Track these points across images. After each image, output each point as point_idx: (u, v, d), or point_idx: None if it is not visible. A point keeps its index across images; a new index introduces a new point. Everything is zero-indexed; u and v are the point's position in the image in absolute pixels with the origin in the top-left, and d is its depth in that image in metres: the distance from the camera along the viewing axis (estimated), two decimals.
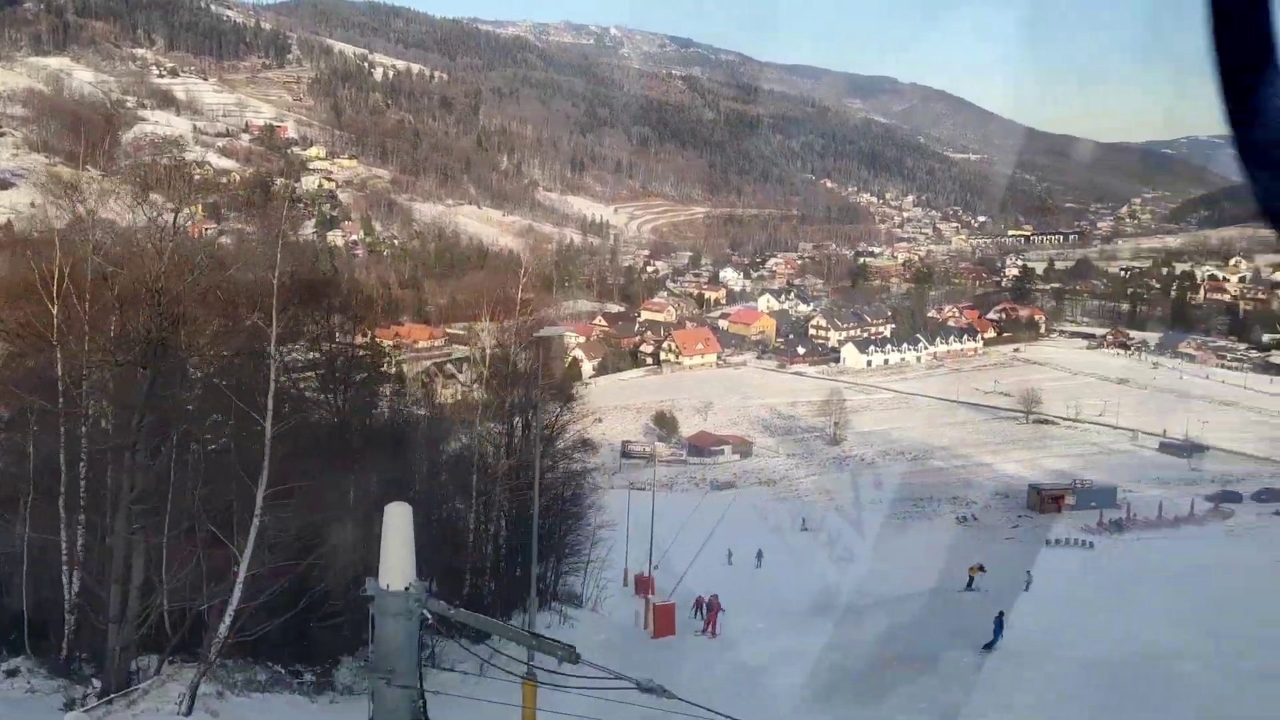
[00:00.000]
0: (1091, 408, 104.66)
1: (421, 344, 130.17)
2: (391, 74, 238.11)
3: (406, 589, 7.60)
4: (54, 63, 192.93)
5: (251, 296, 15.60)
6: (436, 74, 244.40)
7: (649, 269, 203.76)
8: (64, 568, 20.42)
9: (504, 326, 27.28)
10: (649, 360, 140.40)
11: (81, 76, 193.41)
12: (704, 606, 32.61)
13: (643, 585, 40.81)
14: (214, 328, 16.05)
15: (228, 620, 14.28)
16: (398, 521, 7.93)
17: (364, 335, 25.18)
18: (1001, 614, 26.69)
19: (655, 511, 45.86)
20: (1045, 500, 65.61)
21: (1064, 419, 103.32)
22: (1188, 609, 33.59)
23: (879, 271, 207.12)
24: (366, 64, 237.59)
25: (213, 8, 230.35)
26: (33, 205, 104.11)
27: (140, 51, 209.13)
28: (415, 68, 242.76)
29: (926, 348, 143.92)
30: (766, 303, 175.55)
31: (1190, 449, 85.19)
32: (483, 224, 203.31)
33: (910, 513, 66.10)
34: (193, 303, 15.24)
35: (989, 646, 25.82)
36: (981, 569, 33.92)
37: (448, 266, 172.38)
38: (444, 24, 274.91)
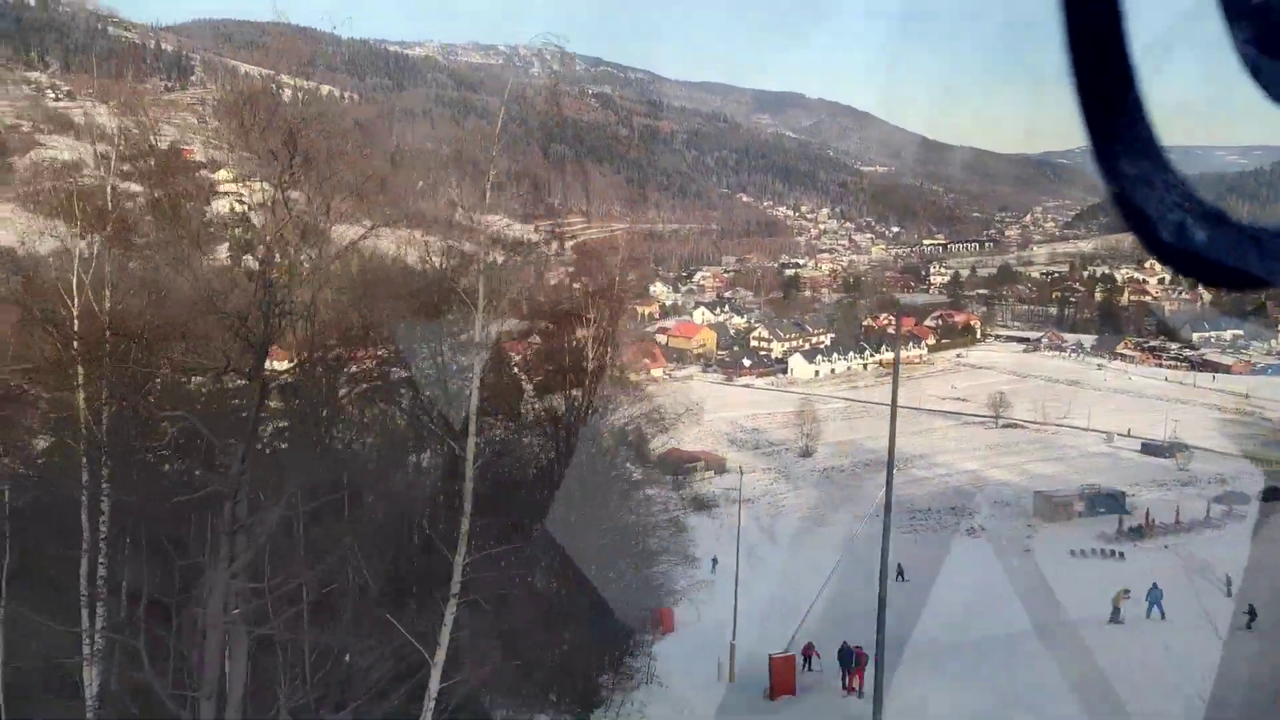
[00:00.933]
0: (1054, 410, 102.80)
1: (354, 368, 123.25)
2: (301, 95, 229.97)
3: None
4: None
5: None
6: (347, 95, 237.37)
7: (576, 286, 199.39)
8: (84, 664, 15.23)
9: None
10: None
11: None
12: (814, 655, 27.95)
13: (662, 620, 37.63)
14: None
15: None
16: None
17: None
18: (1156, 587, 30.84)
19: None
20: (1056, 508, 62.42)
21: (1032, 422, 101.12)
22: None
23: (808, 282, 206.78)
24: (274, 86, 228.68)
25: (110, 30, 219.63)
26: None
27: (34, 74, 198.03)
28: (325, 88, 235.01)
29: (873, 355, 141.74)
30: (702, 315, 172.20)
31: (1176, 449, 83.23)
32: (402, 245, 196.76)
33: (915, 526, 62.24)
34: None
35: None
36: (1127, 594, 29.85)
37: (370, 287, 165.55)
38: (351, 45, 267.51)
